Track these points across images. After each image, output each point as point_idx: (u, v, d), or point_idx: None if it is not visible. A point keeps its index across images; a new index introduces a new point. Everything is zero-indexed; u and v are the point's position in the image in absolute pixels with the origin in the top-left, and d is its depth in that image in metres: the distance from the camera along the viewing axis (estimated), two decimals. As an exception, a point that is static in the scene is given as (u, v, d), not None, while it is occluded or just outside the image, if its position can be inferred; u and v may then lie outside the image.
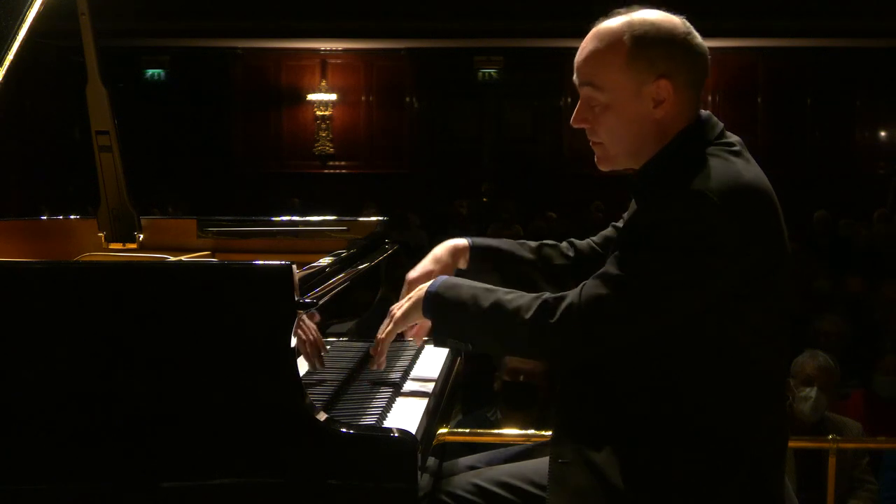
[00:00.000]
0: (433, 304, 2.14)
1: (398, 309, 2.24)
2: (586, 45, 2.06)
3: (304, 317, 2.05)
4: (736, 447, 1.97)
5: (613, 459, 1.97)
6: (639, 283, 1.93)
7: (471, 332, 2.12)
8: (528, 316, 1.99)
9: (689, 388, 1.97)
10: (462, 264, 2.41)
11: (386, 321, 2.27)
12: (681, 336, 1.96)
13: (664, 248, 1.91)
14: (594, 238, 2.45)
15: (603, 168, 2.13)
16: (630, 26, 2.02)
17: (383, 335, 2.25)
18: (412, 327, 2.26)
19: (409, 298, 2.22)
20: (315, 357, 2.19)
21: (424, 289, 2.17)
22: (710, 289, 1.92)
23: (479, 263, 2.41)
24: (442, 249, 2.42)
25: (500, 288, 2.10)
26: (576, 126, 2.11)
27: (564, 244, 2.47)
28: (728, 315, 1.95)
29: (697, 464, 1.95)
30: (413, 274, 2.38)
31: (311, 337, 2.16)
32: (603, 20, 2.06)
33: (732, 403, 1.98)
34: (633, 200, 2.14)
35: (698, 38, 2.06)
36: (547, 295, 2.02)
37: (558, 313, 1.97)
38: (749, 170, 2.01)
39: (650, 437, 1.97)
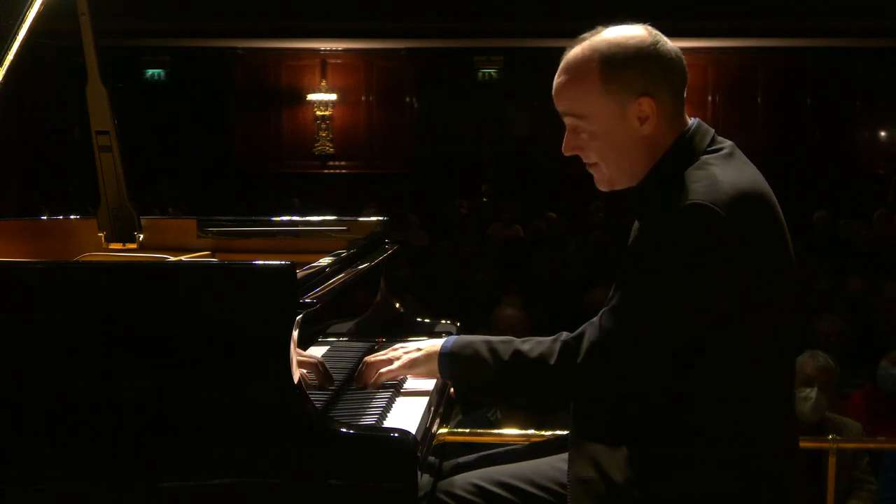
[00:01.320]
0: (450, 364, 2.16)
1: (405, 353, 2.25)
2: (559, 79, 2.06)
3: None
4: (755, 457, 1.97)
5: (632, 474, 1.97)
6: (656, 308, 1.93)
7: (493, 387, 2.16)
8: (552, 362, 2.00)
9: (706, 400, 1.97)
10: None
11: (385, 355, 2.28)
12: (695, 348, 1.95)
13: (675, 268, 1.91)
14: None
15: (603, 189, 2.13)
16: (597, 52, 2.01)
17: (384, 371, 2.26)
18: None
19: (420, 349, 2.24)
20: (324, 380, 2.21)
21: (437, 346, 2.19)
22: (725, 299, 1.92)
23: None
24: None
25: (513, 338, 2.12)
26: (567, 154, 2.11)
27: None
28: (743, 321, 1.95)
29: (718, 475, 1.96)
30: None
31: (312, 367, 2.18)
32: (569, 49, 2.06)
33: (750, 413, 1.98)
34: (637, 223, 2.14)
35: (667, 43, 2.04)
36: (565, 336, 2.03)
37: (582, 353, 1.98)
38: (744, 174, 2.00)
39: (668, 450, 1.98)
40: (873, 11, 12.33)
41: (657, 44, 2.02)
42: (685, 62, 2.07)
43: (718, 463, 1.96)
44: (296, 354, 1.93)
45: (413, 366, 2.23)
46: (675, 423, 1.98)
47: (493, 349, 2.09)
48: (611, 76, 2.00)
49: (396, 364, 2.25)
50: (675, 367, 1.97)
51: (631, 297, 1.97)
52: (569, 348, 2.00)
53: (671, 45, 2.04)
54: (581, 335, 2.00)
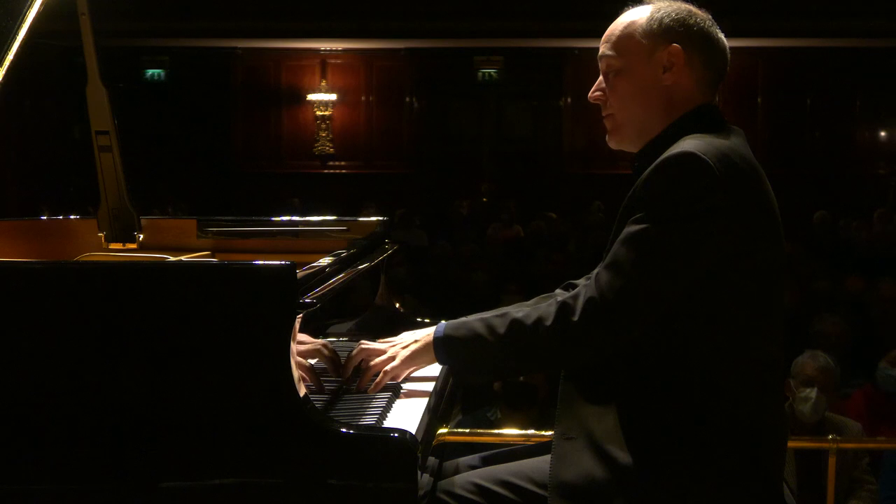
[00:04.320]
0: (447, 348, 2.13)
1: (402, 348, 2.22)
2: (617, 19, 2.15)
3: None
4: (738, 428, 1.97)
5: (616, 436, 1.97)
6: (650, 259, 1.93)
7: (494, 362, 2.11)
8: (549, 323, 1.99)
9: (693, 368, 1.98)
10: None
11: (386, 354, 2.25)
12: (684, 315, 1.96)
13: (666, 218, 1.93)
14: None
15: (612, 143, 2.17)
16: (656, 5, 2.13)
17: (389, 368, 2.21)
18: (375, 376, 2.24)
19: (416, 340, 2.21)
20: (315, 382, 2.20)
21: (430, 333, 2.17)
22: (713, 252, 1.92)
23: None
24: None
25: (508, 309, 2.10)
26: (591, 99, 2.17)
27: (559, 290, 2.42)
28: (731, 288, 1.96)
29: (698, 442, 1.96)
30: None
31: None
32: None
33: (735, 386, 1.99)
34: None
35: (720, 33, 2.13)
36: (561, 298, 2.02)
37: (579, 310, 1.96)
38: (745, 148, 2.04)
39: (653, 414, 1.98)
40: (873, 11, 12.34)
41: (710, 23, 2.13)
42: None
43: (704, 433, 1.96)
44: (297, 348, 1.93)
45: (414, 359, 2.20)
46: (665, 388, 1.98)
47: (488, 324, 2.07)
48: (655, 20, 2.10)
49: (398, 361, 2.21)
50: (664, 332, 1.97)
51: (624, 249, 1.96)
52: (566, 307, 1.98)
53: (723, 37, 2.14)
54: (577, 294, 1.99)
